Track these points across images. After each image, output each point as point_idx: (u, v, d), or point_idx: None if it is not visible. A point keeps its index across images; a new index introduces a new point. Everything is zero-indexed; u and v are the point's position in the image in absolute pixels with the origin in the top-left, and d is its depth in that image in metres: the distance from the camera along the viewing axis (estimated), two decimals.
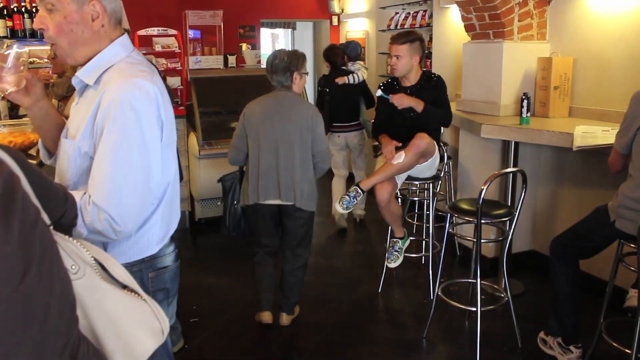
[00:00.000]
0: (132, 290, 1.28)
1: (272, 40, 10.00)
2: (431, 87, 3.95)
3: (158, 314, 1.30)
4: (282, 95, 3.46)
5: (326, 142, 3.52)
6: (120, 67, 1.60)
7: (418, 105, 3.81)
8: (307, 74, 3.52)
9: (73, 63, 1.65)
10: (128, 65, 1.62)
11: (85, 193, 1.50)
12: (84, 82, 1.63)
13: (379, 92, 3.92)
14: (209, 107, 5.96)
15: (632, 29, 3.71)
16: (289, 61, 3.39)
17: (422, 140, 3.71)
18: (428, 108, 3.82)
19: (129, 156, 1.52)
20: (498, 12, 4.12)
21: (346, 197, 3.69)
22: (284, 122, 3.39)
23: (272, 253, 3.68)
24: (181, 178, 4.22)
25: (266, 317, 3.65)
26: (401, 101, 3.80)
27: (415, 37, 3.90)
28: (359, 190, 3.70)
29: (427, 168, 3.92)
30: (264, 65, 6.98)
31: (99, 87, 1.58)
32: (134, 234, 1.62)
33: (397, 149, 3.81)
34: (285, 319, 3.68)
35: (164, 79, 6.28)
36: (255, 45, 7.41)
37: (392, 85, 4.07)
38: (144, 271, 1.69)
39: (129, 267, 1.61)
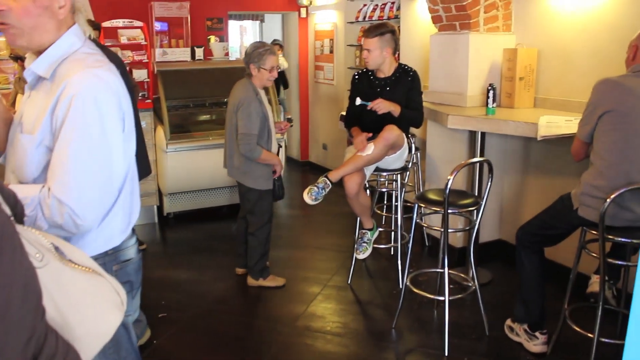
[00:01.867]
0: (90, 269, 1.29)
1: (240, 33, 9.92)
2: (407, 82, 3.96)
3: (117, 288, 1.34)
4: (239, 81, 4.02)
5: (248, 128, 3.82)
6: (78, 58, 1.57)
7: (396, 110, 3.84)
8: (266, 69, 3.87)
9: (25, 46, 1.58)
10: (85, 56, 1.58)
11: (43, 186, 1.48)
12: (38, 75, 1.59)
13: (358, 101, 3.90)
14: (177, 100, 5.91)
15: (593, 23, 3.78)
16: (249, 53, 3.90)
17: (391, 133, 3.73)
18: (404, 112, 3.87)
19: (90, 149, 1.49)
20: (464, 3, 4.16)
21: (314, 188, 3.68)
22: (228, 103, 4.00)
23: (243, 216, 4.26)
24: (149, 172, 4.18)
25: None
26: (381, 106, 3.80)
27: (385, 29, 3.89)
28: (328, 182, 3.70)
29: (396, 159, 3.94)
30: (232, 58, 7.00)
31: (56, 79, 1.54)
32: (97, 226, 1.60)
33: (368, 139, 3.83)
34: (248, 280, 4.23)
35: (130, 72, 6.20)
36: (223, 38, 7.35)
37: (367, 75, 4.08)
38: (108, 264, 1.67)
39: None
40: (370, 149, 3.70)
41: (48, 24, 1.56)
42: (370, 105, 3.80)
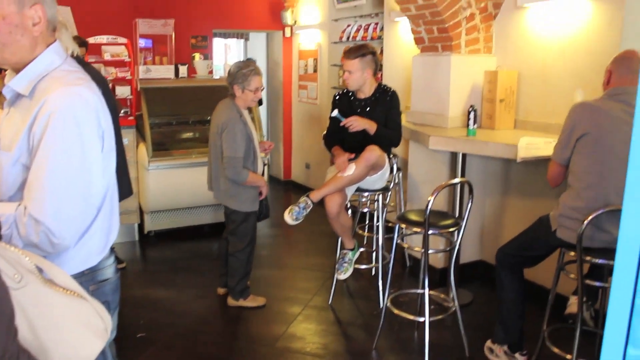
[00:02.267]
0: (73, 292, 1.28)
1: (224, 51, 9.97)
2: (385, 101, 3.99)
3: (101, 313, 1.31)
4: (222, 101, 3.99)
5: (233, 151, 3.78)
6: (57, 76, 1.57)
7: (371, 128, 3.86)
8: (251, 90, 3.85)
9: (0, 63, 1.59)
10: (65, 74, 1.58)
11: (20, 204, 1.47)
12: (17, 92, 1.59)
13: (335, 113, 3.93)
14: (159, 117, 5.91)
15: (571, 47, 3.87)
16: (233, 73, 3.87)
17: (372, 153, 3.75)
18: (380, 130, 3.89)
19: (68, 167, 1.49)
20: (446, 25, 4.23)
21: (295, 207, 3.70)
22: (212, 124, 3.98)
23: (227, 236, 4.19)
24: (130, 193, 4.11)
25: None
26: (356, 124, 3.83)
27: (366, 51, 3.93)
28: (309, 202, 3.72)
29: (377, 180, 3.96)
30: (216, 76, 7.02)
31: (35, 96, 1.54)
32: (73, 246, 1.59)
33: (350, 159, 3.85)
34: (228, 300, 4.18)
35: (113, 89, 6.20)
36: (207, 56, 7.38)
37: (347, 96, 4.11)
38: (84, 284, 1.65)
39: None
40: (352, 170, 3.72)
41: (21, 41, 1.55)
42: (344, 122, 3.83)
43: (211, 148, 3.97)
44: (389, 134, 3.95)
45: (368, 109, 3.99)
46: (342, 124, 3.85)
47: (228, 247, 4.11)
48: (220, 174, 3.91)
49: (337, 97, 4.16)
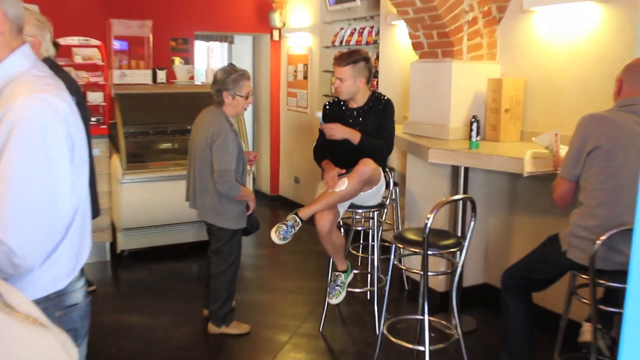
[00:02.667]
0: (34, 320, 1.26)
1: (207, 55, 9.99)
2: (378, 110, 4.02)
3: (65, 344, 1.28)
4: (207, 109, 3.99)
5: (226, 163, 3.77)
6: (25, 80, 1.57)
7: (354, 137, 3.88)
8: (242, 96, 3.88)
9: None
10: (33, 78, 1.58)
11: None
12: None
13: (319, 114, 3.96)
14: (135, 126, 5.90)
15: (579, 55, 3.92)
16: (221, 79, 3.86)
17: (366, 167, 3.76)
18: (365, 140, 3.89)
19: (32, 181, 1.48)
20: (447, 30, 4.27)
21: (283, 226, 3.69)
22: (196, 135, 3.93)
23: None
24: (97, 214, 4.05)
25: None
26: (331, 132, 3.87)
27: (359, 57, 3.95)
28: (298, 219, 3.71)
29: (372, 196, 3.97)
30: (197, 82, 7.03)
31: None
32: (39, 267, 1.58)
33: (341, 175, 3.86)
34: (209, 327, 4.11)
35: (84, 95, 6.18)
36: (188, 60, 7.39)
37: (339, 105, 4.13)
38: (50, 310, 1.64)
39: None
40: (344, 185, 3.72)
41: None
42: (322, 126, 3.86)
43: (195, 161, 3.92)
44: (375, 144, 3.94)
45: (361, 119, 4.01)
46: (320, 128, 3.88)
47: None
48: (208, 189, 3.87)
49: (328, 107, 4.18)
